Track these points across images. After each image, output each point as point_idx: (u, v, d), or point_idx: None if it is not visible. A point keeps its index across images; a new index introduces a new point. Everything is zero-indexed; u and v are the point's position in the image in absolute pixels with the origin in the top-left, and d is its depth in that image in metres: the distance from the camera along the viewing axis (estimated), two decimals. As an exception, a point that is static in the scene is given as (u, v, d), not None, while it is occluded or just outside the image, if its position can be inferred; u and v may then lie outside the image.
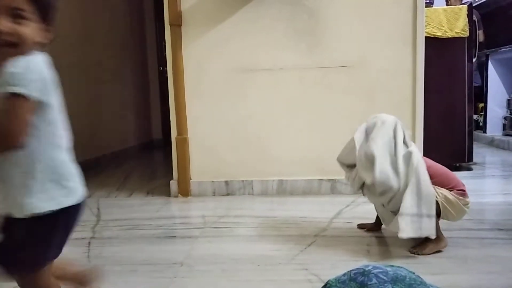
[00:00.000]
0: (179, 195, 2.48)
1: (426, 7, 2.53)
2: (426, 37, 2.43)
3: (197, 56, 2.41)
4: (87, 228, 1.95)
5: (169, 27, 2.38)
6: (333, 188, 2.43)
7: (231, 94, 2.43)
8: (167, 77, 2.48)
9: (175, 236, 1.84)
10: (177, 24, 2.36)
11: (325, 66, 2.38)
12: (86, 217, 2.12)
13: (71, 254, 1.64)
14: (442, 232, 1.57)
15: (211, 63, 2.41)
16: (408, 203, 1.47)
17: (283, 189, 2.45)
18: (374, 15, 2.34)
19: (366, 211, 2.09)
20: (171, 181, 2.50)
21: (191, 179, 2.48)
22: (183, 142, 2.44)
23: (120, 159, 3.77)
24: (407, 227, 1.47)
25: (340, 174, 2.39)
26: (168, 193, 2.51)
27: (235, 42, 2.39)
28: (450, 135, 3.03)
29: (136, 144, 4.35)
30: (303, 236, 1.76)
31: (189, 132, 2.45)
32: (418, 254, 1.52)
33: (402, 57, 2.36)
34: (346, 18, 2.35)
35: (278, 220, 2.00)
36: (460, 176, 2.85)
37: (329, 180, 2.43)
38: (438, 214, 1.51)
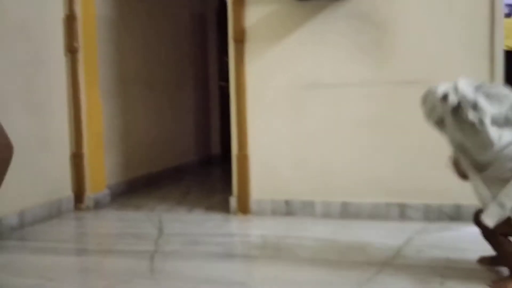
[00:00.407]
0: (239, 212, 2.45)
1: (505, 17, 2.34)
2: (505, 50, 2.25)
3: (260, 72, 2.40)
4: (150, 241, 1.98)
5: (233, 43, 2.40)
6: (401, 213, 2.27)
7: (293, 110, 2.38)
8: (227, 92, 2.50)
9: (235, 255, 1.81)
10: (241, 40, 2.38)
11: (393, 82, 2.26)
12: (149, 230, 2.16)
13: (134, 266, 1.68)
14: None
15: (274, 79, 2.40)
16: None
17: (347, 212, 2.34)
18: (447, 27, 2.20)
19: (439, 239, 1.93)
20: (230, 198, 2.49)
21: (250, 196, 2.46)
22: (243, 158, 2.42)
23: (180, 174, 3.85)
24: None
25: (410, 197, 2.26)
26: (227, 210, 2.50)
27: (299, 58, 2.35)
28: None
29: (195, 158, 4.44)
30: (369, 263, 1.65)
31: (249, 149, 2.44)
32: None
33: (478, 72, 2.18)
34: (416, 30, 2.23)
35: (342, 244, 1.90)
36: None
37: (398, 204, 2.28)
38: None
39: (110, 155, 2.93)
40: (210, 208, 2.64)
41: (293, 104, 2.38)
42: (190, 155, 4.33)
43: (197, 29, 4.67)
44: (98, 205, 2.67)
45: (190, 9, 4.46)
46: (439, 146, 2.22)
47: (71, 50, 2.58)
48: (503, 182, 1.33)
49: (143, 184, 3.28)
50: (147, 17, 3.55)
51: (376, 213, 2.30)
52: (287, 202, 2.40)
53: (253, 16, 2.38)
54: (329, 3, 2.29)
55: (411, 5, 2.23)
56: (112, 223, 2.49)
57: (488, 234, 1.41)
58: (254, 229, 2.20)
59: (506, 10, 2.76)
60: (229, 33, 2.41)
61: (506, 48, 2.43)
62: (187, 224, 2.29)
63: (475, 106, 1.34)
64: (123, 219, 2.50)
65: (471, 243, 1.84)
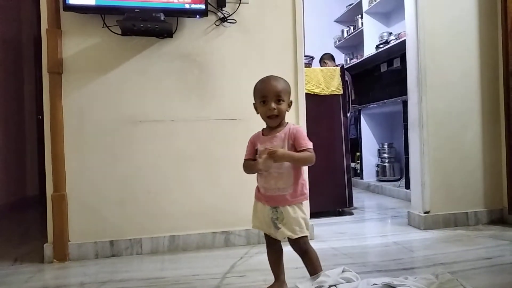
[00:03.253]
0: (55, 260, 2.18)
1: (305, 67, 2.78)
2: (306, 94, 2.66)
3: (79, 105, 2.25)
4: None
5: (48, 75, 2.20)
6: (226, 240, 2.40)
7: (117, 146, 2.29)
8: (44, 127, 2.25)
9: (46, 311, 1.59)
10: (56, 72, 2.20)
11: (216, 119, 2.42)
12: None
13: None
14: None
15: (95, 113, 2.27)
16: None
17: (175, 245, 2.33)
18: (260, 73, 2.44)
19: (260, 261, 2.10)
20: (45, 245, 2.20)
21: (69, 241, 2.22)
22: (60, 199, 2.19)
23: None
24: None
25: (233, 225, 2.41)
26: (41, 259, 2.20)
27: (122, 92, 2.30)
28: (332, 183, 3.27)
29: (4, 202, 3.80)
30: (194, 296, 1.67)
31: (68, 188, 2.22)
32: None
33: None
34: (234, 75, 2.45)
35: (169, 280, 1.87)
36: (343, 220, 3.11)
37: (223, 232, 2.40)
38: None
39: None
40: (20, 259, 2.27)
41: (117, 139, 2.29)
42: (-2, 198, 3.69)
43: (10, 57, 4.13)
44: None
45: (2, 34, 3.93)
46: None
47: None
48: None
49: None
50: None
51: (203, 243, 2.37)
52: (112, 243, 2.26)
53: (71, 47, 2.24)
54: (154, 40, 2.34)
55: (230, 51, 2.44)
56: None
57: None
58: (72, 278, 1.97)
59: (306, 60, 3.30)
60: (44, 64, 2.20)
61: (307, 92, 2.89)
62: (-14, 282, 1.92)
63: None
64: None
65: (285, 262, 2.06)
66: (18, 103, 4.28)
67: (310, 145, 1.54)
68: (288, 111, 1.59)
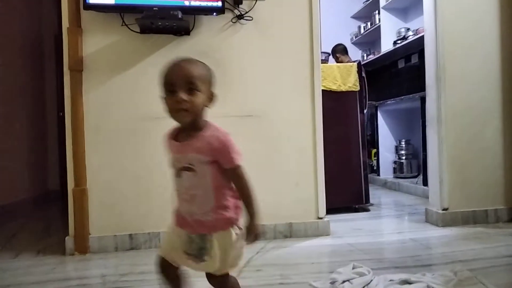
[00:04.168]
0: (76, 252, 2.24)
1: (322, 63, 2.78)
2: (323, 90, 2.65)
3: (99, 102, 2.31)
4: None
5: (69, 72, 2.25)
6: (242, 235, 2.42)
7: (136, 142, 2.34)
8: (67, 123, 2.30)
9: (68, 301, 1.64)
10: (77, 70, 2.25)
11: (233, 115, 2.44)
12: (-44, 287, 1.80)
13: None
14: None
15: (115, 110, 2.32)
16: None
17: (192, 240, 2.37)
18: (276, 70, 2.50)
19: (276, 256, 2.11)
20: (66, 238, 2.26)
21: (90, 234, 2.28)
22: (81, 193, 2.25)
23: (6, 215, 3.33)
24: None
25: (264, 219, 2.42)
26: (63, 252, 2.26)
27: (142, 89, 2.34)
28: (348, 179, 3.26)
29: (29, 196, 3.91)
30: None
31: (88, 182, 2.28)
32: None
33: (302, 108, 2.53)
34: (251, 72, 2.47)
35: (187, 273, 1.90)
36: (359, 217, 3.10)
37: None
38: None
39: None
40: (42, 251, 2.34)
41: (136, 135, 2.34)
42: (20, 193, 3.80)
43: (32, 55, 4.24)
44: None
45: (24, 32, 4.03)
46: (271, 175, 2.47)
47: None
48: None
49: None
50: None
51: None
52: (131, 236, 2.31)
53: (91, 45, 2.29)
54: (172, 38, 2.38)
55: (247, 48, 2.46)
56: None
57: None
58: (93, 270, 2.03)
59: (322, 57, 3.28)
60: (65, 61, 2.26)
61: (323, 88, 2.88)
62: (10, 273, 1.98)
63: None
64: None
65: (301, 258, 2.08)
66: (40, 100, 4.39)
67: (240, 159, 1.18)
68: (208, 107, 1.19)
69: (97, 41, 2.30)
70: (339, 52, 4.88)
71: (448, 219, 2.69)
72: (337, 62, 4.68)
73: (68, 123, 2.26)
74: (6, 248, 2.43)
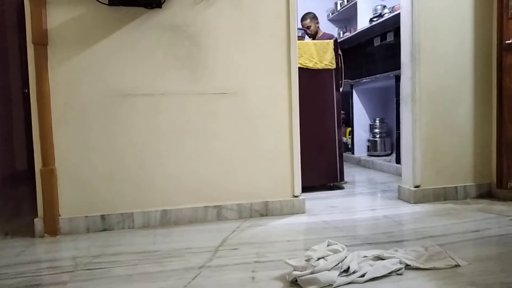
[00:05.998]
0: (46, 234, 2.17)
1: (298, 40, 2.73)
2: (299, 67, 2.62)
3: (67, 78, 2.20)
4: None
5: (32, 46, 2.13)
6: (219, 214, 2.41)
7: (107, 119, 2.25)
8: (31, 100, 2.19)
9: (39, 284, 1.59)
10: (42, 43, 2.12)
11: (208, 93, 2.38)
12: None
13: None
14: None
15: (83, 86, 2.22)
16: None
17: (167, 220, 2.34)
18: (251, 46, 2.44)
19: (252, 235, 2.11)
20: (35, 219, 2.19)
21: (60, 215, 2.21)
22: (49, 173, 2.16)
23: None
24: None
25: (225, 199, 2.42)
26: (32, 234, 2.19)
27: (111, 65, 2.25)
28: (324, 158, 3.28)
29: (-6, 177, 3.76)
30: (187, 269, 1.68)
31: (57, 162, 2.19)
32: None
33: (279, 85, 2.49)
34: (226, 48, 2.40)
35: (161, 254, 1.88)
36: (334, 195, 3.14)
37: (215, 206, 2.40)
38: None
39: None
40: (11, 233, 2.26)
41: (106, 113, 2.25)
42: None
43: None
44: None
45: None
46: (247, 153, 2.45)
47: None
48: None
49: None
50: None
51: (195, 218, 2.38)
52: (103, 217, 2.25)
53: (57, 17, 2.16)
54: (143, 11, 2.27)
55: (222, 23, 2.38)
56: None
57: None
58: (64, 252, 1.97)
59: (299, 33, 3.23)
60: (28, 35, 2.12)
61: (299, 66, 2.85)
62: (-23, 257, 1.91)
63: None
64: None
65: (277, 236, 2.09)
66: (3, 76, 4.16)
67: None
68: None
69: (63, 13, 2.17)
70: (309, 18, 4.44)
71: (420, 196, 2.75)
72: (308, 31, 4.44)
73: (34, 100, 2.15)
74: (-29, 231, 2.33)
